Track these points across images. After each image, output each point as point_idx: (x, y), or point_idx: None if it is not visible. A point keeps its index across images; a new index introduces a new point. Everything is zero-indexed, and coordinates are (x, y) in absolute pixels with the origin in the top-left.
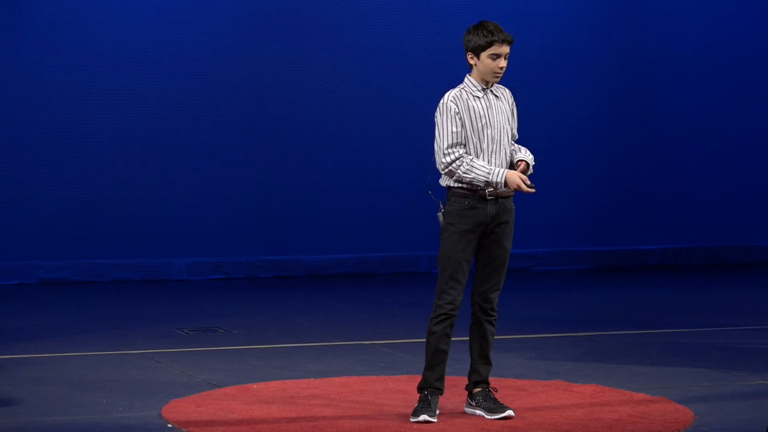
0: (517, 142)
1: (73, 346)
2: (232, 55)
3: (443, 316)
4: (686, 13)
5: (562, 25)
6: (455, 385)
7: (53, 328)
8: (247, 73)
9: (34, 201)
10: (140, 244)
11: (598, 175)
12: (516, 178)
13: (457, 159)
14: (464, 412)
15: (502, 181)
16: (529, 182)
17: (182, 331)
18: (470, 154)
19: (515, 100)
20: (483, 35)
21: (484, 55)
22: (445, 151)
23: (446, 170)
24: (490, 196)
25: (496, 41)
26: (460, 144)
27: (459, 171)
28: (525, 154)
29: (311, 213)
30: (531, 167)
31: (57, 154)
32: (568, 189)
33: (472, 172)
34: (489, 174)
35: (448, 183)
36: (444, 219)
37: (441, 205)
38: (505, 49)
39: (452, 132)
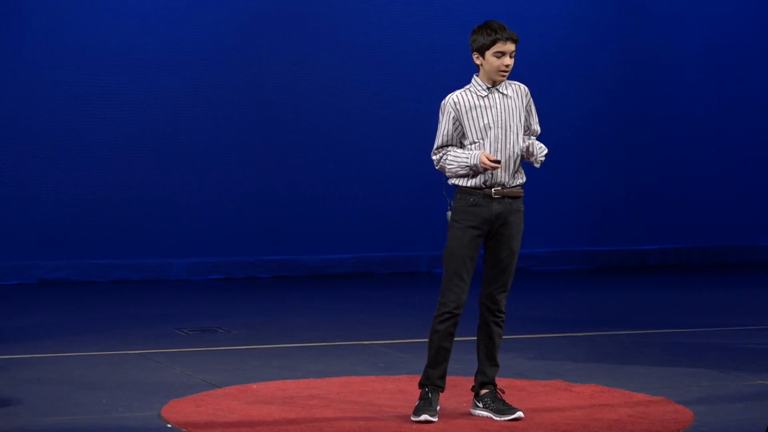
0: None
1: (73, 346)
2: (232, 56)
3: (447, 315)
4: (686, 14)
5: (562, 25)
6: (456, 384)
7: (53, 328)
8: (247, 73)
9: (34, 201)
10: (140, 244)
11: (598, 175)
12: (482, 156)
13: (442, 156)
14: (469, 413)
15: (478, 162)
16: (492, 157)
17: (182, 331)
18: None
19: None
20: (487, 34)
21: (488, 53)
22: (434, 152)
23: (438, 168)
24: (495, 194)
25: (500, 39)
26: (452, 145)
27: (446, 165)
28: (533, 141)
29: (311, 213)
30: (536, 149)
31: (57, 154)
32: (568, 189)
33: (455, 161)
34: (468, 158)
35: (454, 182)
36: (450, 216)
37: (450, 203)
38: (510, 47)
39: (444, 133)
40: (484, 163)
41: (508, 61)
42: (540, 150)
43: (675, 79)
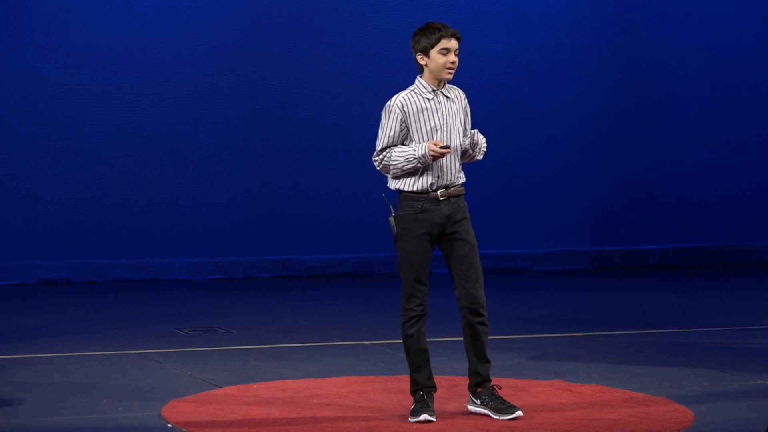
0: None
1: (73, 346)
2: (233, 55)
3: (415, 318)
4: (686, 14)
5: (562, 25)
6: (455, 385)
7: (53, 328)
8: (247, 73)
9: (34, 201)
10: (140, 244)
11: (598, 175)
12: (430, 144)
13: (384, 156)
14: (468, 411)
15: (427, 152)
16: (441, 144)
17: (182, 331)
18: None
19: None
20: (430, 32)
21: (433, 52)
22: (377, 153)
23: (380, 168)
24: (442, 196)
25: (444, 35)
26: (395, 147)
27: (391, 164)
28: (476, 132)
29: (311, 213)
30: (480, 138)
31: (57, 154)
32: (568, 189)
33: (400, 156)
34: (414, 151)
35: (397, 186)
36: (397, 224)
37: (392, 209)
38: (454, 43)
39: (390, 135)
40: (434, 150)
41: (454, 58)
42: (483, 139)
43: (675, 79)
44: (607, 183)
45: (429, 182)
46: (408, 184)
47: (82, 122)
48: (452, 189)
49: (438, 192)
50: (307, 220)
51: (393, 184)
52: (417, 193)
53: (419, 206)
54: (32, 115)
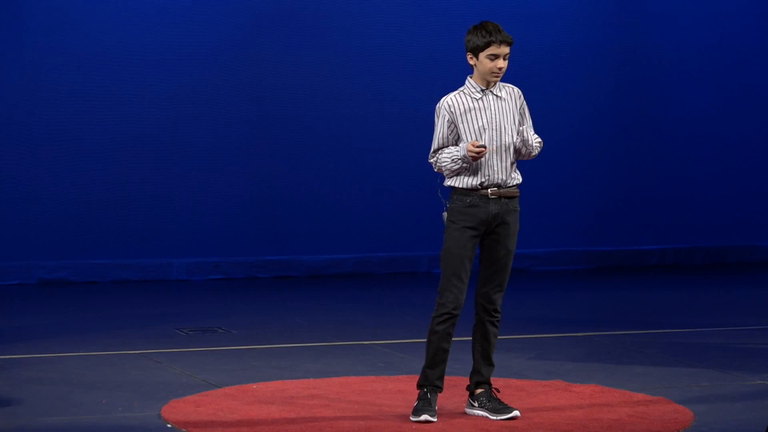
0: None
1: (73, 346)
2: (232, 55)
3: (446, 316)
4: (686, 14)
5: (562, 25)
6: (455, 385)
7: (53, 328)
8: (247, 73)
9: (34, 201)
10: (140, 244)
11: (598, 175)
12: (468, 145)
13: (438, 158)
14: (465, 413)
15: (465, 152)
16: (477, 143)
17: (182, 331)
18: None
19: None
20: (482, 36)
21: (482, 55)
22: (430, 155)
23: (436, 170)
24: (492, 195)
25: (494, 42)
26: (446, 147)
27: (442, 165)
28: (525, 128)
29: (311, 213)
30: (530, 135)
31: (57, 154)
32: (568, 189)
33: (448, 157)
34: (458, 152)
35: (450, 183)
36: (447, 217)
37: (446, 204)
38: (504, 49)
39: (440, 136)
40: (470, 151)
41: (502, 63)
42: (535, 137)
43: (675, 79)
44: (607, 183)
45: (479, 181)
46: (459, 182)
47: (82, 122)
48: (504, 190)
49: (489, 190)
50: (306, 220)
51: (447, 182)
52: (467, 189)
53: (468, 200)
54: (32, 115)
